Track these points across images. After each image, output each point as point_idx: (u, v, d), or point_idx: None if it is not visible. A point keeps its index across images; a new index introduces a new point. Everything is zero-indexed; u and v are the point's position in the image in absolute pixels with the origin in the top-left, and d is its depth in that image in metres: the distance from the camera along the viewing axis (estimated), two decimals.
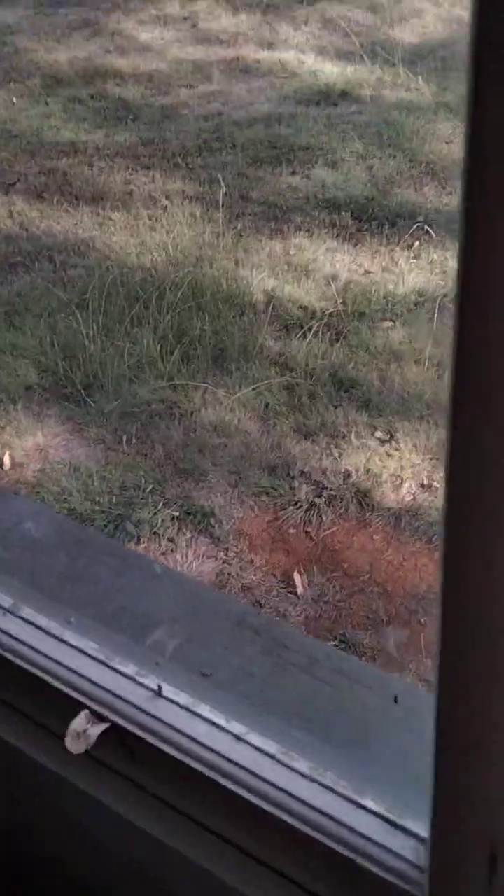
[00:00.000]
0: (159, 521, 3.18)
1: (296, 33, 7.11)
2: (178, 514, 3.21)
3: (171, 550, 3.11)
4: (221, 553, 3.12)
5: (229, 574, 3.05)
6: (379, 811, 0.87)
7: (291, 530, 3.20)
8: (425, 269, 4.41)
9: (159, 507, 3.22)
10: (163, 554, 3.11)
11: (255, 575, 3.05)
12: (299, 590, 3.01)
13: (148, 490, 3.28)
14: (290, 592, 3.01)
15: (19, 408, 3.73)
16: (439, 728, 0.70)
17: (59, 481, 3.36)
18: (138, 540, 3.13)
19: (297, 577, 3.05)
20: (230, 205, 4.98)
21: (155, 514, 3.20)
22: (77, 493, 3.29)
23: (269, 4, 7.57)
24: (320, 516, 3.22)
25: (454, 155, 5.37)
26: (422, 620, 2.92)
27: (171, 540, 3.14)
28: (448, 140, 5.51)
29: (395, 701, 0.99)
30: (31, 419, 3.69)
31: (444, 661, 0.66)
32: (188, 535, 3.16)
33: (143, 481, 3.32)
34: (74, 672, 0.97)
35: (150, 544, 3.13)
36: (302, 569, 3.07)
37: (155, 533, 3.15)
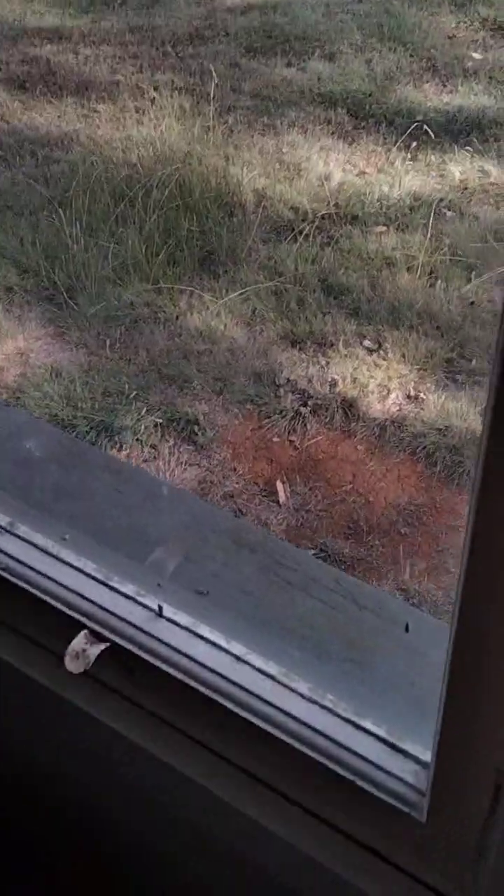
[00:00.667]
0: (142, 427, 3.15)
1: None
2: (161, 420, 3.17)
3: (154, 457, 3.09)
4: (204, 461, 3.11)
5: (212, 482, 3.04)
6: (379, 733, 0.87)
7: (275, 439, 3.19)
8: (422, 172, 4.30)
9: (142, 413, 3.18)
10: (145, 461, 3.09)
11: (237, 483, 3.05)
12: (281, 498, 3.02)
13: (131, 396, 3.24)
14: (273, 501, 3.02)
15: None
16: (453, 655, 0.69)
17: (40, 386, 3.31)
18: (121, 447, 3.11)
19: (279, 486, 3.05)
20: (221, 97, 4.79)
21: (138, 420, 3.16)
22: (59, 399, 3.24)
23: None
24: (305, 425, 3.21)
25: (457, 51, 5.17)
26: (402, 531, 2.94)
27: (153, 447, 3.12)
28: (451, 34, 5.30)
29: (406, 630, 0.99)
30: (12, 322, 3.61)
31: (466, 588, 0.64)
32: (171, 442, 3.14)
33: (126, 387, 3.27)
34: (73, 591, 0.95)
35: (132, 451, 3.11)
36: (285, 478, 3.07)
37: (138, 440, 3.12)
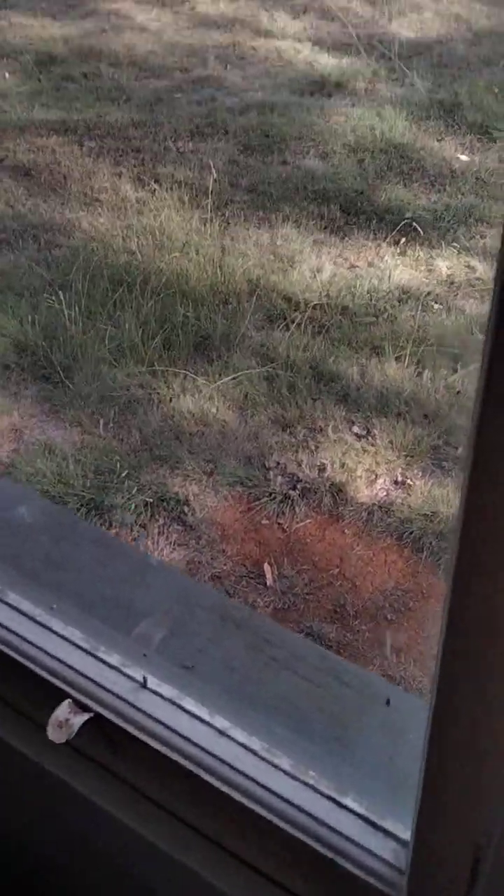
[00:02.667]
0: (132, 506, 3.16)
1: (293, 22, 7.08)
2: (151, 500, 3.19)
3: (143, 536, 3.10)
4: (193, 541, 3.12)
5: (200, 562, 3.05)
6: (360, 811, 0.87)
7: (264, 521, 3.20)
8: (410, 266, 4.42)
9: (133, 492, 3.20)
10: (134, 540, 3.10)
11: (225, 564, 3.05)
12: (268, 581, 3.02)
13: (122, 475, 3.26)
14: (260, 583, 3.02)
15: None
16: (432, 732, 0.70)
17: (33, 462, 3.33)
18: (110, 524, 3.12)
19: (266, 568, 3.05)
20: (219, 192, 4.95)
21: (128, 499, 3.18)
22: (51, 475, 3.26)
23: None
24: (293, 508, 3.23)
25: (445, 153, 5.38)
26: (388, 616, 2.94)
27: (143, 526, 3.13)
28: (439, 138, 5.52)
29: (388, 703, 0.99)
30: (8, 398, 3.65)
31: (443, 666, 0.66)
32: (161, 521, 3.15)
33: (118, 466, 3.30)
34: (59, 660, 0.96)
35: (121, 529, 3.12)
36: (272, 560, 3.08)
37: (127, 519, 3.14)
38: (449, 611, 0.63)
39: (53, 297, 4.05)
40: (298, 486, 3.29)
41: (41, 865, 1.09)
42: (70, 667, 0.96)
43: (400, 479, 3.34)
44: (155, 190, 4.95)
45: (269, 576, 3.03)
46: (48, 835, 1.05)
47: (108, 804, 0.93)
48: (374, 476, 3.34)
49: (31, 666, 0.96)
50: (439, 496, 3.22)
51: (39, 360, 3.79)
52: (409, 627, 2.89)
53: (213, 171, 5.05)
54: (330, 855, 0.84)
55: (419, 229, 4.62)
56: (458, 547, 0.60)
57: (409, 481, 3.32)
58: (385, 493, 3.29)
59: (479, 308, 4.15)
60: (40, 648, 0.97)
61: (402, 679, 2.71)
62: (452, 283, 4.31)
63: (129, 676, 0.96)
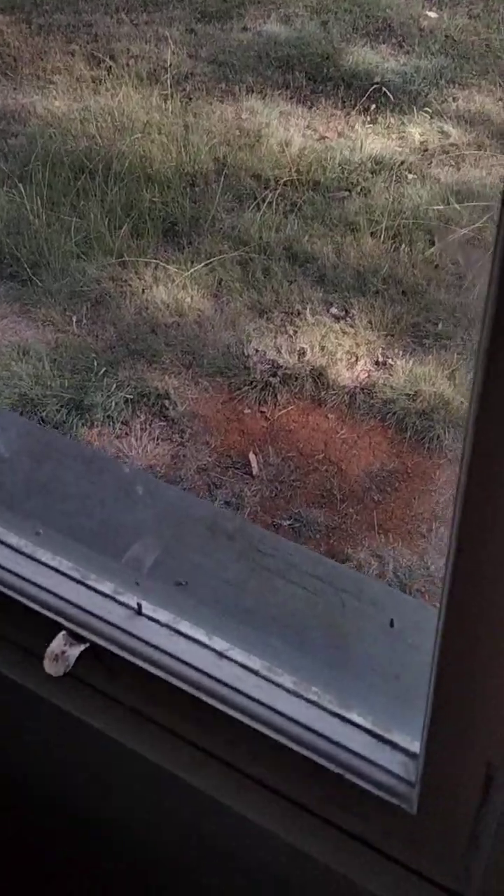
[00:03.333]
0: (112, 404, 3.11)
1: None
2: (131, 396, 3.14)
3: (126, 434, 3.07)
4: (176, 435, 3.09)
5: (184, 456, 3.03)
6: (366, 725, 0.86)
7: (246, 410, 3.17)
8: (382, 135, 4.25)
9: (112, 389, 3.15)
10: (117, 437, 3.06)
11: (210, 456, 3.03)
12: (254, 470, 3.01)
13: (100, 373, 3.20)
14: (246, 473, 3.01)
15: None
16: (443, 643, 0.68)
17: (8, 366, 3.26)
18: (92, 424, 3.07)
19: (252, 458, 3.04)
20: (178, 64, 4.70)
21: (108, 397, 3.13)
22: (27, 378, 3.19)
23: None
24: (275, 396, 3.19)
25: (412, 10, 5.10)
26: (375, 497, 2.95)
27: (125, 423, 3.09)
28: None
29: (392, 625, 0.98)
30: None
31: (454, 575, 0.63)
32: (142, 417, 3.11)
33: (94, 364, 3.23)
34: (50, 592, 0.94)
35: (103, 428, 3.08)
36: (257, 449, 3.06)
37: (109, 416, 3.09)
38: (459, 522, 0.60)
39: (14, 190, 3.88)
40: (279, 373, 3.25)
41: (48, 796, 1.09)
42: (62, 598, 0.94)
43: (381, 359, 3.30)
44: (111, 67, 4.69)
45: (254, 465, 3.02)
46: (53, 766, 1.05)
47: (111, 730, 0.93)
48: (354, 358, 3.29)
49: (22, 599, 0.94)
50: (421, 375, 3.19)
51: (5, 258, 3.66)
52: (397, 507, 2.90)
53: (171, 42, 4.78)
54: (338, 770, 0.84)
55: (389, 94, 4.43)
56: (469, 457, 0.57)
57: (389, 361, 3.28)
58: (366, 375, 3.25)
59: (454, 176, 4.01)
60: (29, 581, 0.95)
61: (392, 559, 2.74)
62: (426, 150, 4.16)
63: (122, 604, 0.94)
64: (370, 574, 2.66)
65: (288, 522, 2.87)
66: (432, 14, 5.07)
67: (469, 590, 0.64)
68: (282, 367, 3.27)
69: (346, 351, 3.31)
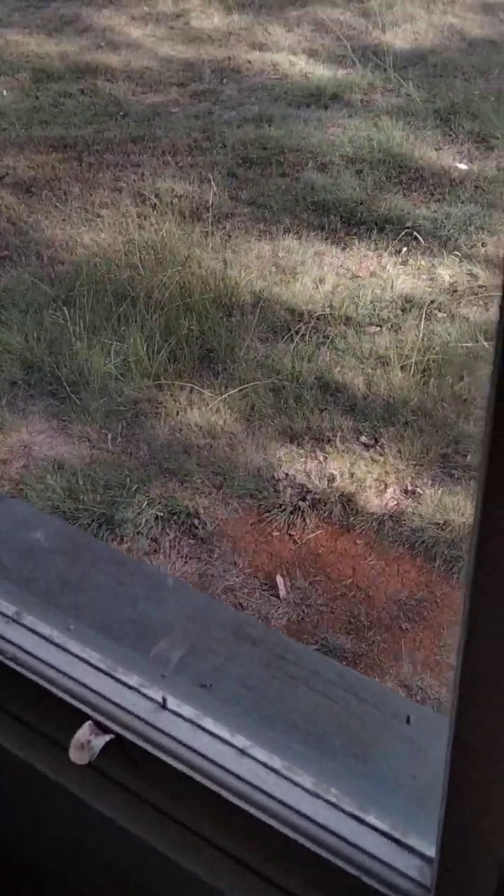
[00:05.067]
0: (143, 520, 3.17)
1: (287, 35, 7.12)
2: (162, 514, 3.20)
3: (155, 550, 3.10)
4: (205, 554, 3.12)
5: (212, 575, 3.05)
6: (383, 829, 0.87)
7: (275, 533, 3.20)
8: (412, 276, 4.42)
9: (143, 506, 3.21)
10: (146, 554, 3.10)
11: (237, 577, 3.05)
12: (281, 593, 3.02)
13: (132, 489, 3.27)
14: (273, 595, 3.01)
15: (3, 404, 3.70)
16: (454, 748, 0.70)
17: (42, 478, 3.34)
18: (122, 539, 3.12)
19: (279, 580, 3.05)
20: (219, 205, 4.97)
21: (139, 513, 3.18)
22: (61, 491, 3.27)
23: (262, 5, 7.57)
24: (304, 519, 3.23)
25: (443, 162, 5.38)
26: (403, 626, 2.93)
27: (154, 540, 3.13)
28: (437, 147, 5.53)
29: (408, 721, 0.99)
30: (16, 415, 3.67)
31: (464, 680, 0.66)
32: (172, 535, 3.16)
33: (127, 480, 3.30)
34: (78, 682, 0.96)
35: (133, 543, 3.12)
36: (284, 572, 3.07)
37: (139, 532, 3.14)
38: (468, 625, 0.63)
39: (58, 313, 4.07)
40: (308, 497, 3.29)
41: (66, 887, 1.09)
42: (89, 688, 0.96)
43: (410, 488, 3.34)
44: (155, 204, 4.97)
45: (281, 587, 3.03)
46: (71, 856, 1.05)
47: (131, 824, 0.93)
48: (383, 486, 3.33)
49: (51, 688, 0.96)
50: (450, 504, 3.22)
51: (46, 376, 3.81)
52: (425, 637, 2.88)
53: (213, 184, 5.07)
54: (355, 873, 0.84)
55: (420, 238, 4.63)
56: (475, 561, 0.60)
57: (418, 490, 3.32)
58: (395, 503, 3.28)
59: (482, 315, 4.15)
60: (59, 670, 0.97)
61: (419, 689, 2.70)
62: (455, 291, 4.31)
63: (148, 697, 0.96)
64: None
65: (314, 647, 2.85)
66: (462, 166, 5.35)
67: (479, 691, 0.66)
68: (311, 491, 3.32)
69: (375, 478, 3.36)
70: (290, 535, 3.18)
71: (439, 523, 3.16)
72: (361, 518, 3.21)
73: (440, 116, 5.78)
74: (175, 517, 3.20)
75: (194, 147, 5.62)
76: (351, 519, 3.21)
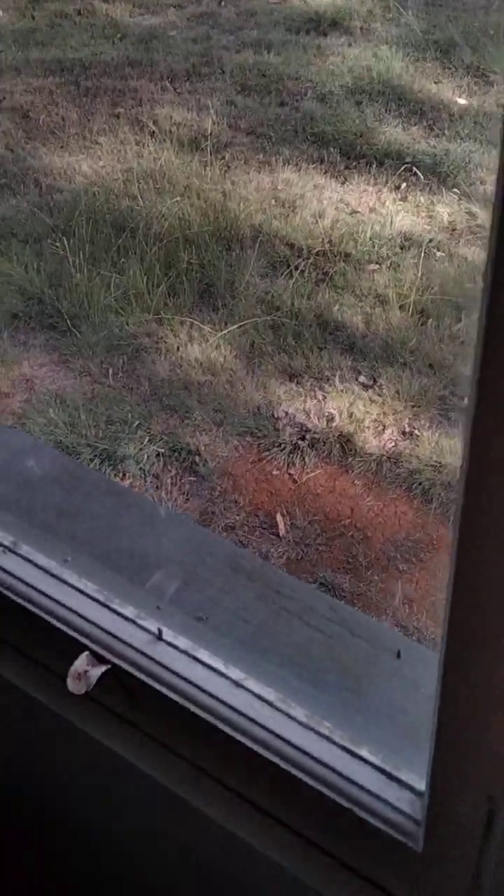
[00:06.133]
0: (145, 457, 3.17)
1: None
2: (163, 450, 3.19)
3: (157, 487, 3.11)
4: (205, 491, 3.12)
5: (213, 513, 3.05)
6: (375, 762, 0.88)
7: (275, 471, 3.20)
8: (412, 213, 4.35)
9: (145, 443, 3.20)
10: (147, 491, 3.10)
11: (238, 515, 3.05)
12: (281, 531, 3.03)
13: (134, 425, 3.26)
14: (273, 534, 3.02)
15: (5, 336, 3.68)
16: (444, 682, 0.70)
17: (45, 412, 3.33)
18: (124, 475, 3.12)
19: (279, 519, 3.06)
20: (218, 134, 4.87)
21: (140, 450, 3.18)
22: (63, 426, 3.26)
23: None
24: (303, 459, 3.22)
25: (442, 95, 5.27)
26: (400, 567, 2.94)
27: (156, 476, 3.13)
28: (437, 80, 5.40)
29: (399, 656, 1.00)
30: (18, 348, 3.64)
31: (453, 615, 0.66)
32: (173, 472, 3.16)
33: (129, 416, 3.29)
34: (75, 612, 0.97)
35: (135, 480, 3.12)
36: (284, 511, 3.08)
37: (141, 469, 3.14)
38: (457, 561, 0.63)
39: (57, 244, 4.01)
40: (307, 437, 3.28)
41: (62, 813, 1.11)
42: (86, 619, 0.96)
43: (407, 429, 3.33)
44: (154, 132, 4.87)
45: (281, 526, 3.04)
46: (68, 784, 1.07)
47: (127, 753, 0.94)
48: (381, 426, 3.32)
49: (48, 618, 0.97)
50: (447, 447, 3.21)
51: (46, 309, 3.77)
52: (422, 578, 2.90)
53: (212, 112, 4.95)
54: (347, 805, 0.85)
55: (419, 174, 4.55)
56: (463, 498, 0.60)
57: (416, 432, 3.31)
58: (393, 444, 3.28)
59: (481, 256, 4.09)
60: (56, 601, 0.98)
61: (415, 629, 2.73)
62: (454, 229, 4.25)
63: (144, 628, 0.96)
64: None
65: (313, 586, 2.87)
66: (462, 101, 5.22)
67: (468, 627, 0.66)
68: (310, 430, 3.31)
69: (373, 419, 3.35)
70: (289, 473, 3.18)
71: (436, 465, 3.16)
72: (360, 458, 3.21)
73: (440, 48, 5.63)
74: (176, 454, 3.20)
75: (192, 72, 5.48)
76: (349, 459, 3.21)
